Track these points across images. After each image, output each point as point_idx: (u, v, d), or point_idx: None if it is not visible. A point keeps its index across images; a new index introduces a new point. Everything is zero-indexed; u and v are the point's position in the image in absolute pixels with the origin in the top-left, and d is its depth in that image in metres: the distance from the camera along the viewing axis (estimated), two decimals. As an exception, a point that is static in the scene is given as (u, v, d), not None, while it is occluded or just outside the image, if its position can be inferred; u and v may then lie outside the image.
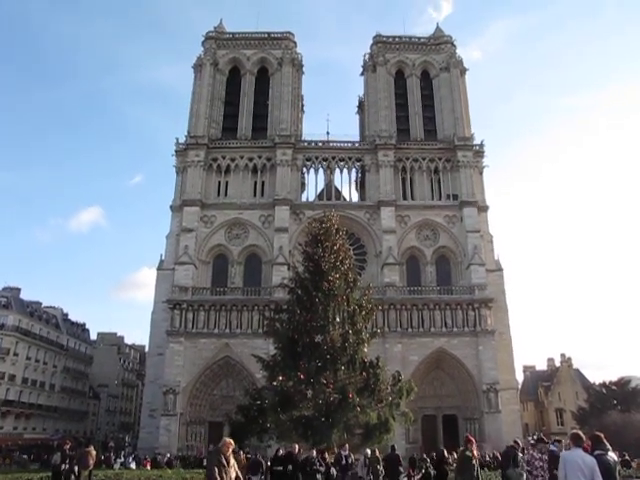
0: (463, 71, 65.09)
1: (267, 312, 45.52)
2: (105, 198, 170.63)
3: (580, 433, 8.79)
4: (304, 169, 61.08)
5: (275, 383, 22.40)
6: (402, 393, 23.76)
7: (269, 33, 66.30)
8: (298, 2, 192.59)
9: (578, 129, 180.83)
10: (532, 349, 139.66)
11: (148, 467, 36.98)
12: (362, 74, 67.68)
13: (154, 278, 55.92)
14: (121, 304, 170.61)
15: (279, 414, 21.51)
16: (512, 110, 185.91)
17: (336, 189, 61.15)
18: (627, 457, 27.69)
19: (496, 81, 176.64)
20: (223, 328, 51.03)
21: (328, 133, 63.47)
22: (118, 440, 72.36)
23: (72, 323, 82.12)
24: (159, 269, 55.73)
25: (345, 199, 61.20)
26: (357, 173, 62.00)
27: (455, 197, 58.19)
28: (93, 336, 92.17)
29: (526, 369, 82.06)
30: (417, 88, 64.40)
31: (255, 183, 59.26)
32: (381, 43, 65.94)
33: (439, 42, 66.25)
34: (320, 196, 60.03)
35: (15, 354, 64.33)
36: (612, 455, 8.54)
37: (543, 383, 76.81)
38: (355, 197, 62.00)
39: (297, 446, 20.94)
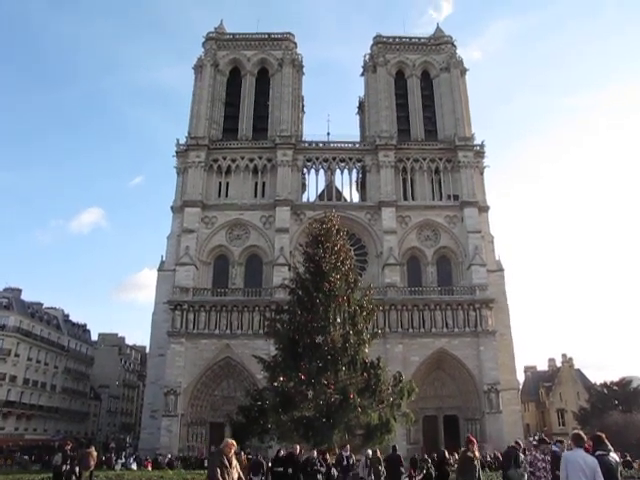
0: (463, 71, 65.09)
1: (268, 313, 45.54)
2: (106, 199, 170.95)
3: (581, 433, 8.79)
4: (305, 170, 61.12)
5: (276, 384, 22.43)
6: (403, 394, 23.78)
7: (269, 34, 66.35)
8: (298, 3, 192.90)
9: (579, 129, 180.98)
10: (533, 349, 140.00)
11: (149, 468, 37.01)
12: (362, 75, 67.68)
13: (155, 279, 56.06)
14: (122, 305, 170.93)
15: (280, 415, 21.53)
16: (512, 111, 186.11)
17: (337, 190, 61.15)
18: (629, 458, 27.69)
19: (497, 81, 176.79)
20: (224, 329, 51.03)
21: (329, 134, 63.57)
22: (119, 441, 72.32)
23: (73, 324, 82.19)
24: (160, 270, 55.74)
25: (346, 200, 61.18)
26: (358, 174, 61.97)
27: (456, 197, 58.16)
28: (94, 337, 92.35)
29: (527, 369, 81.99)
30: (417, 88, 64.40)
31: (256, 184, 59.27)
32: (381, 44, 65.94)
33: (439, 42, 66.26)
34: (321, 197, 60.04)
35: (16, 355, 64.40)
36: (614, 456, 8.54)
37: (544, 383, 76.72)
38: (356, 198, 62.06)
39: (298, 447, 20.94)
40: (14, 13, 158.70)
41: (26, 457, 50.38)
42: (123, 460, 41.24)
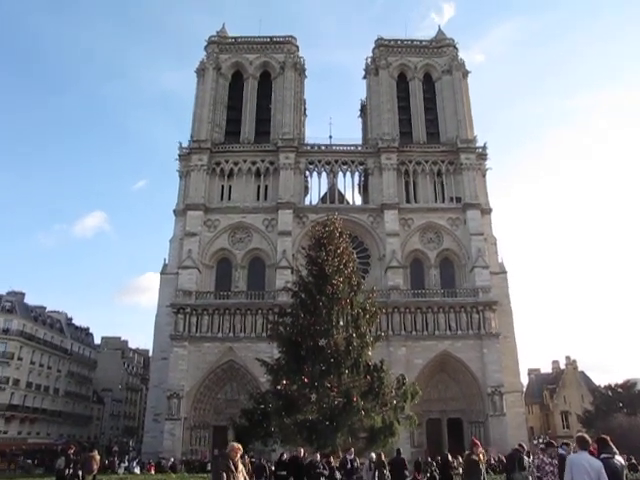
0: (465, 74, 65.09)
1: (271, 316, 45.42)
2: (109, 203, 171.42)
3: (586, 436, 8.74)
4: (307, 173, 61.20)
5: (279, 387, 22.42)
6: (407, 396, 23.74)
7: (271, 37, 66.50)
8: (300, 7, 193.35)
9: (579, 131, 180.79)
10: (537, 352, 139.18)
11: (152, 472, 37.01)
12: (364, 77, 67.78)
13: (158, 282, 56.05)
14: (125, 308, 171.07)
15: (283, 418, 21.50)
16: (514, 113, 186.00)
17: (339, 192, 61.14)
18: (634, 461, 27.55)
19: (499, 84, 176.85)
20: (227, 332, 50.97)
21: (331, 137, 63.51)
22: (122, 444, 72.29)
23: (76, 327, 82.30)
24: (163, 273, 55.76)
25: (348, 202, 61.17)
26: (360, 176, 61.91)
27: (458, 200, 58.06)
28: (97, 340, 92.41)
29: (531, 372, 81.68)
30: (419, 91, 64.44)
31: (258, 187, 59.30)
32: (383, 46, 66.01)
33: (441, 45, 66.31)
34: (323, 199, 60.04)
35: (19, 358, 64.50)
36: (619, 458, 8.49)
37: (548, 386, 76.44)
38: (358, 200, 61.93)
39: (302, 450, 20.88)
40: (15, 17, 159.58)
41: (29, 461, 50.46)
42: (126, 464, 41.24)
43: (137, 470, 38.76)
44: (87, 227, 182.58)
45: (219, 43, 65.65)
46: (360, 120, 73.86)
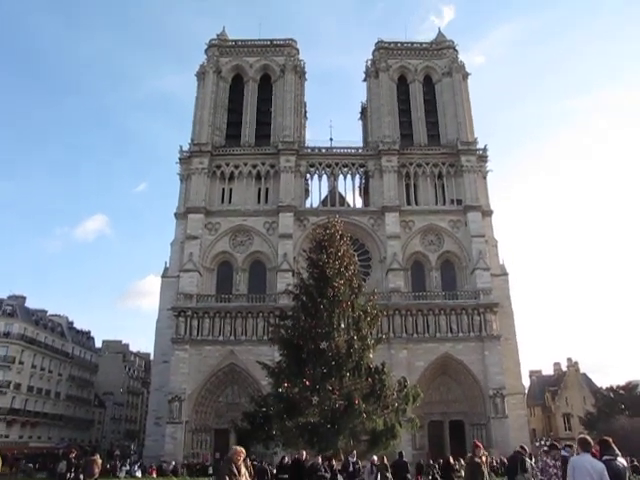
0: (465, 76, 65.15)
1: (272, 319, 45.32)
2: (110, 206, 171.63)
3: (588, 438, 8.73)
4: (308, 175, 61.26)
5: (280, 390, 22.37)
6: (408, 399, 23.68)
7: (271, 40, 66.56)
8: (300, 10, 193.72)
9: (580, 131, 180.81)
10: (538, 354, 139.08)
11: (154, 475, 37.01)
12: (364, 80, 67.83)
13: (159, 286, 56.09)
14: (126, 312, 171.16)
15: (285, 421, 21.46)
16: (515, 115, 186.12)
17: (340, 195, 61.17)
18: (636, 462, 27.46)
19: (500, 85, 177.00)
20: (228, 335, 50.96)
21: (331, 139, 63.61)
22: (124, 448, 72.29)
23: (77, 331, 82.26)
24: (164, 277, 55.78)
25: (349, 205, 61.22)
26: (361, 179, 61.94)
27: (459, 202, 58.10)
28: (98, 344, 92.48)
29: (532, 374, 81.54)
30: (420, 93, 64.52)
31: (259, 190, 59.34)
32: (383, 49, 66.10)
33: (441, 47, 66.40)
34: (324, 202, 60.10)
35: (20, 362, 64.47)
36: (621, 460, 8.48)
37: (550, 388, 76.33)
38: (359, 203, 61.95)
39: (304, 453, 20.86)
40: (17, 24, 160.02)
41: (31, 465, 50.29)
42: (128, 467, 41.26)
43: (139, 474, 38.75)
44: (88, 230, 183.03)
45: (219, 46, 65.75)
46: (360, 123, 73.93)
